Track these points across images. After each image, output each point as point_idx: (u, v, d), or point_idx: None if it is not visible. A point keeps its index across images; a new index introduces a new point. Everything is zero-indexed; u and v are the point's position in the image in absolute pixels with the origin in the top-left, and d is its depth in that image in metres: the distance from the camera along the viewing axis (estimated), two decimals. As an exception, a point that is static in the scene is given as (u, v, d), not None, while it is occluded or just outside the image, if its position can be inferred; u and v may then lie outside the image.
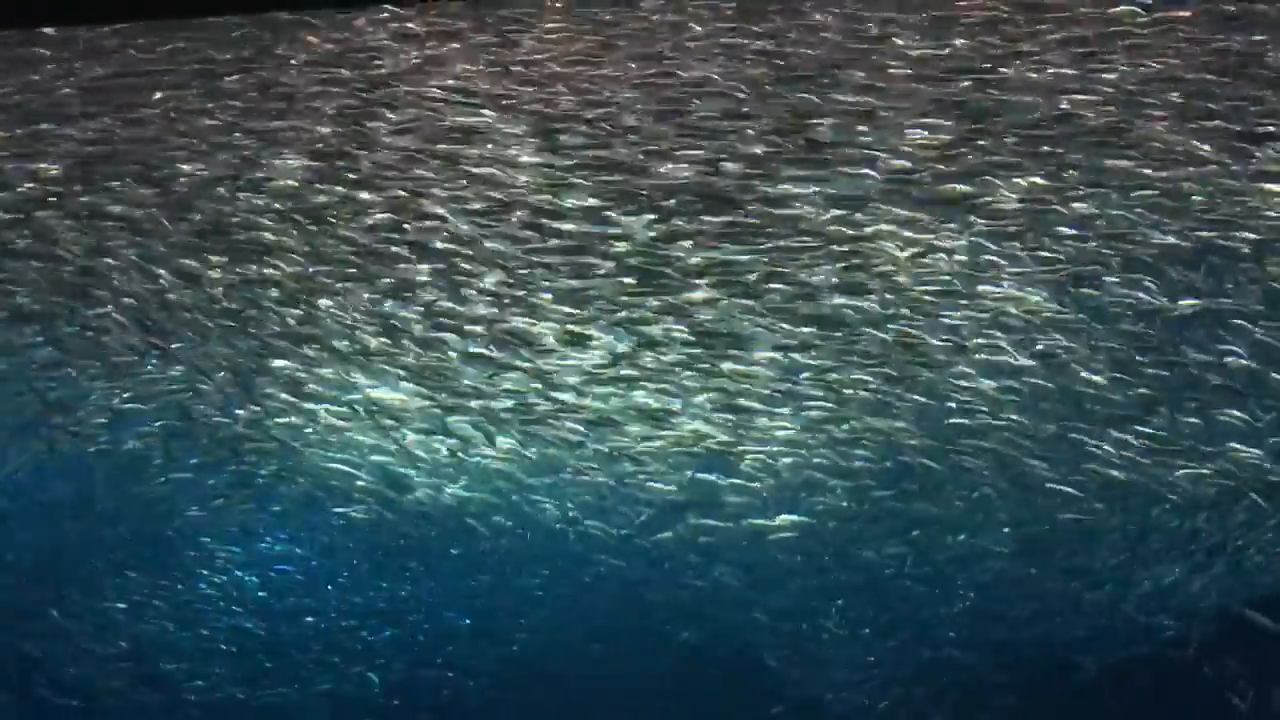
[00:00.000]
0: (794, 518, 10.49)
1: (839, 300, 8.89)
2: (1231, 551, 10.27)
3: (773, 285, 8.84)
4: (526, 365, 9.55)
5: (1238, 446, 9.18)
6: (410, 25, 8.44)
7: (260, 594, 12.17)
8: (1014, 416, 9.42)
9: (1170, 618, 10.75)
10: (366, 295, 9.35)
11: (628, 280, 8.96)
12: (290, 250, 9.18)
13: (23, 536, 11.78)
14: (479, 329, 9.40)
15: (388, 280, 9.25)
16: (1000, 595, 11.01)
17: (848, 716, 11.90)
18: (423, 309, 9.39)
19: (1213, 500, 9.65)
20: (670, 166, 8.55)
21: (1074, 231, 8.40)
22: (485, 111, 8.57)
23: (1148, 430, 9.28)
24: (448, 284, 9.19)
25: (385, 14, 8.37)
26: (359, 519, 11.19)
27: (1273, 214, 8.08)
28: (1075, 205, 8.26)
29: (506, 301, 9.23)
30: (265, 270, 9.26)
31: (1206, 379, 8.92)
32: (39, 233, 9.07)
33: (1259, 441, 9.14)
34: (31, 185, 8.85)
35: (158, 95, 8.48)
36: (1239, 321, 8.69)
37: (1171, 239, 8.35)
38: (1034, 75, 7.90)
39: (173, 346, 9.84)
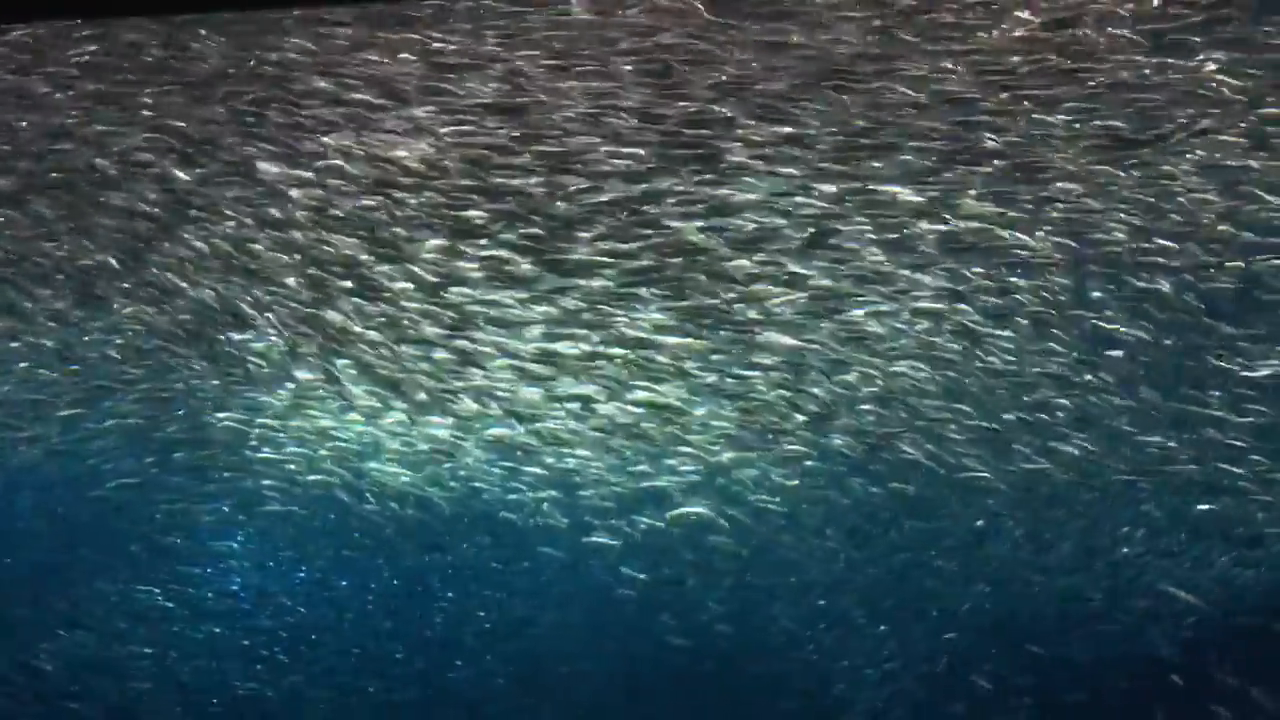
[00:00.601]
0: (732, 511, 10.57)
1: (758, 295, 8.94)
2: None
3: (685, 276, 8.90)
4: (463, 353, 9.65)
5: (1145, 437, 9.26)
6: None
7: (273, 593, 12.24)
8: (947, 409, 9.46)
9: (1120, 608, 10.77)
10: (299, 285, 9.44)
11: (543, 273, 9.03)
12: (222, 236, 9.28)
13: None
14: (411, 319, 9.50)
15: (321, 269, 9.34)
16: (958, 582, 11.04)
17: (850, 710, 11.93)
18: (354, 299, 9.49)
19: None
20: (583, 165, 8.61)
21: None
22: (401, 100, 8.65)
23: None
24: (379, 263, 9.27)
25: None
26: (364, 513, 11.31)
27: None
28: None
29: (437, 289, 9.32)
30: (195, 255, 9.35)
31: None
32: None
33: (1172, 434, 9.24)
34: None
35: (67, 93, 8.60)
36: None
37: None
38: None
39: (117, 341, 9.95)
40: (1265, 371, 8.92)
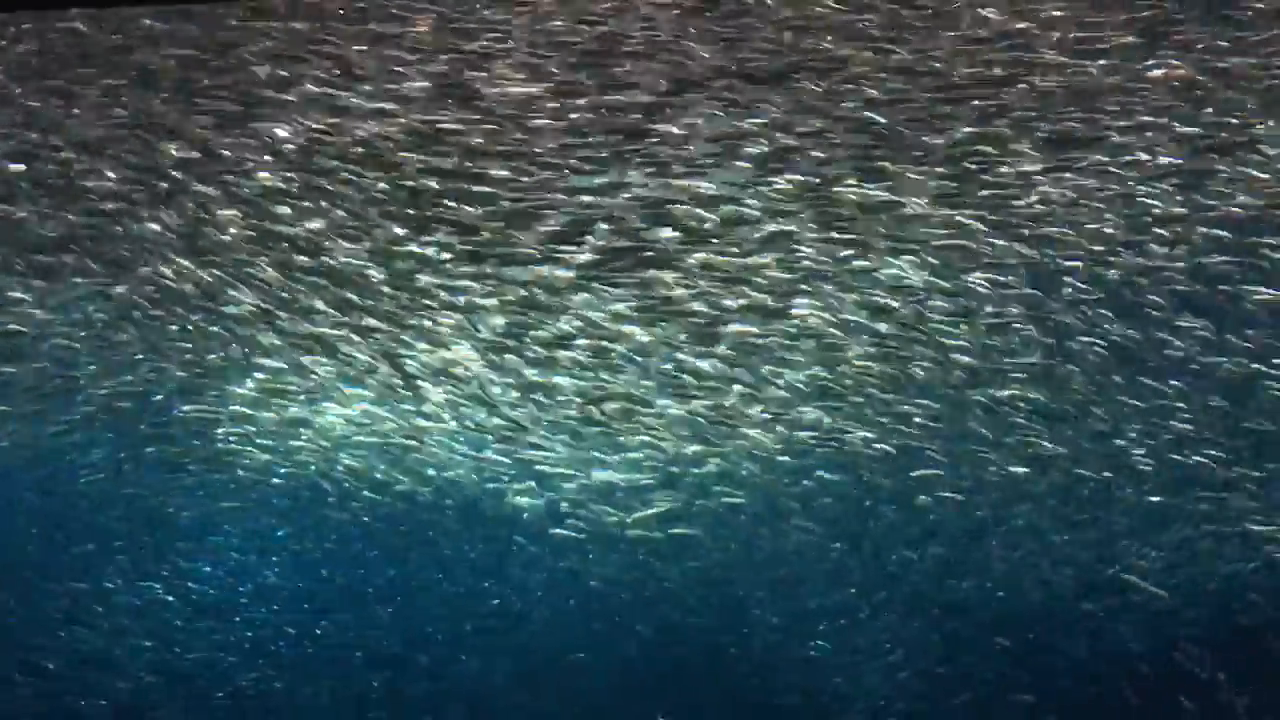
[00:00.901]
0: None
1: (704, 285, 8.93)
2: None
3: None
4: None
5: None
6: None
7: (276, 588, 12.29)
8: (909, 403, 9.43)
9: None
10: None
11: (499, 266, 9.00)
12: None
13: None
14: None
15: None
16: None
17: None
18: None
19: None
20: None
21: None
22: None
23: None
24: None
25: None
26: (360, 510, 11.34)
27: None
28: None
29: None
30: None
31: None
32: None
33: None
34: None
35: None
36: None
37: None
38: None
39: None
40: (1227, 367, 8.90)
